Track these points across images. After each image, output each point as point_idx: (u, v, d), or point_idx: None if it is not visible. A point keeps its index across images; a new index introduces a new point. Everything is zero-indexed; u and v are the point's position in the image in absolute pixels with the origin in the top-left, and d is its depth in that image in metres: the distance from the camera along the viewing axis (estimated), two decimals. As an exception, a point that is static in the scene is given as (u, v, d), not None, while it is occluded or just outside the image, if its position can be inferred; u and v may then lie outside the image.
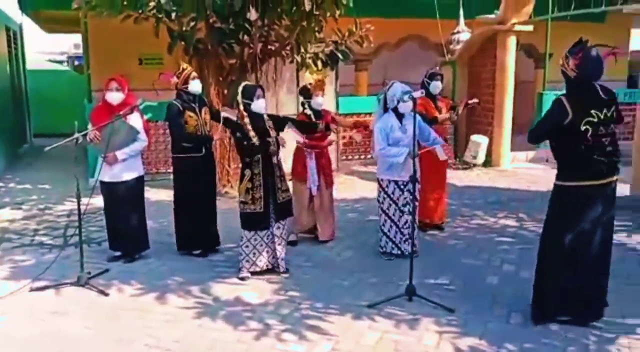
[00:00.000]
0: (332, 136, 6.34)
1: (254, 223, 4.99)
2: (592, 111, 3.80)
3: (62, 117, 12.63)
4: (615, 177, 3.96)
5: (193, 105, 5.51)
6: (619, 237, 6.07)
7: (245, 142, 4.91)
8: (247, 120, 4.90)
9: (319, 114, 6.02)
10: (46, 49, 23.89)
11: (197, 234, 5.65)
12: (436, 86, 6.43)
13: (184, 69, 5.56)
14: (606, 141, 3.86)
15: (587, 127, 3.78)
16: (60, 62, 22.11)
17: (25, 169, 10.88)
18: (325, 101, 8.89)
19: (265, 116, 5.05)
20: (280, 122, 5.22)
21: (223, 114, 5.57)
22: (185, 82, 5.48)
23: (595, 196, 3.91)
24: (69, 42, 23.98)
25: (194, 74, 5.58)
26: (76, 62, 21.84)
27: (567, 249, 3.95)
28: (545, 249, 4.12)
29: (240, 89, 4.97)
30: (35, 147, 13.72)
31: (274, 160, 5.03)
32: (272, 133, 5.00)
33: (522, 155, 11.06)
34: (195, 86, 5.52)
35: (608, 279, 4.08)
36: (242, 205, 4.98)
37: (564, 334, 3.91)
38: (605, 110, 3.85)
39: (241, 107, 4.93)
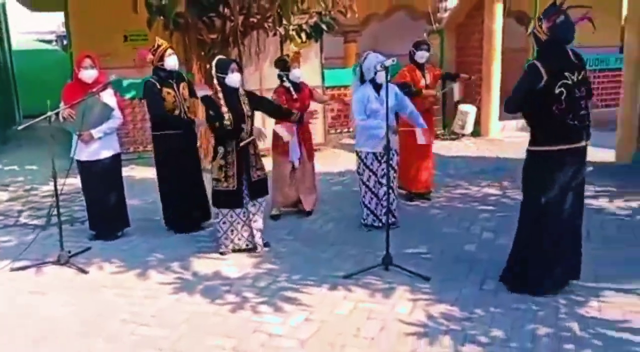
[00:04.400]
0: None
1: (227, 201, 4.99)
2: (566, 73, 3.83)
3: (52, 98, 12.55)
4: (585, 142, 3.97)
5: (170, 81, 5.47)
6: (600, 202, 6.14)
7: (217, 122, 4.83)
8: (220, 95, 4.87)
9: (298, 86, 5.98)
10: (35, 28, 23.69)
11: (185, 210, 5.66)
12: (421, 56, 6.40)
13: (159, 46, 5.50)
14: (582, 104, 3.90)
15: (562, 89, 3.80)
16: (50, 41, 21.94)
17: (14, 151, 10.87)
18: (310, 74, 8.88)
19: (240, 91, 5.00)
20: (256, 101, 5.10)
21: (198, 92, 5.54)
22: (161, 58, 5.44)
23: (568, 160, 3.92)
24: (58, 21, 23.76)
25: (170, 50, 5.49)
26: (64, 41, 21.64)
27: (544, 215, 3.97)
28: (524, 218, 4.13)
29: (214, 62, 4.93)
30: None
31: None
32: (246, 110, 4.94)
33: (512, 124, 11.02)
34: (171, 62, 5.46)
35: (581, 245, 4.12)
36: (215, 182, 4.97)
37: (534, 297, 3.96)
38: (577, 74, 3.87)
39: (215, 82, 4.91)
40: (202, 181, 5.81)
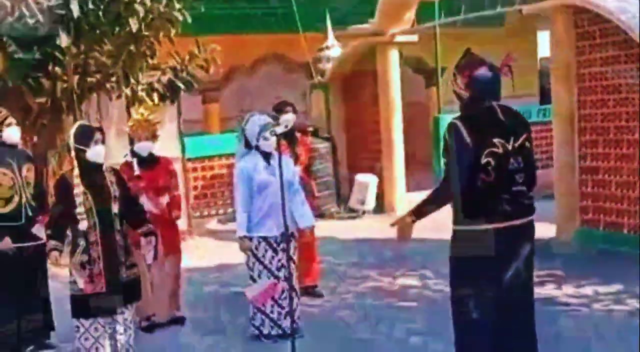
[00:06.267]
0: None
1: (95, 308, 4.80)
2: (495, 140, 3.85)
3: None
4: (525, 219, 4.01)
5: (8, 160, 5.48)
6: (547, 290, 6.44)
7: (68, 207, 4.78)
8: (76, 172, 4.79)
9: (146, 160, 6.06)
10: None
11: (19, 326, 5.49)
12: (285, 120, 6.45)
13: None
14: (518, 178, 3.92)
15: (489, 159, 3.82)
16: None
17: None
18: (166, 143, 8.95)
19: (105, 168, 4.97)
20: (124, 188, 5.06)
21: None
22: None
23: (501, 242, 3.88)
24: None
25: (10, 119, 5.57)
26: None
27: (481, 312, 4.02)
28: (457, 317, 4.16)
29: (73, 130, 4.90)
30: None
31: (116, 225, 4.91)
32: (113, 190, 4.90)
33: (421, 196, 11.42)
34: (10, 134, 5.55)
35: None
36: (75, 285, 4.82)
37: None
38: (512, 140, 3.90)
39: (72, 155, 4.86)
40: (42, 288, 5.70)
